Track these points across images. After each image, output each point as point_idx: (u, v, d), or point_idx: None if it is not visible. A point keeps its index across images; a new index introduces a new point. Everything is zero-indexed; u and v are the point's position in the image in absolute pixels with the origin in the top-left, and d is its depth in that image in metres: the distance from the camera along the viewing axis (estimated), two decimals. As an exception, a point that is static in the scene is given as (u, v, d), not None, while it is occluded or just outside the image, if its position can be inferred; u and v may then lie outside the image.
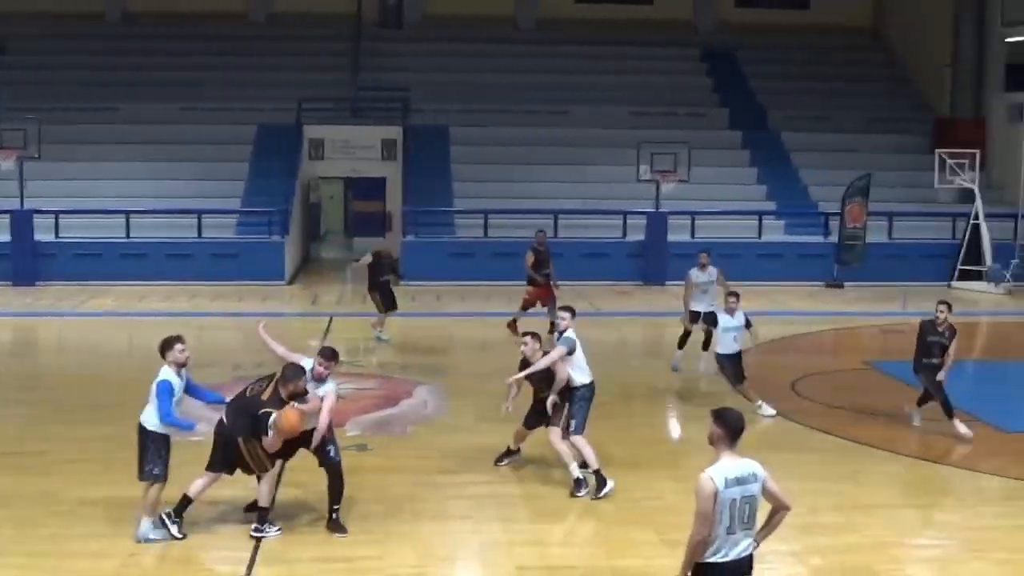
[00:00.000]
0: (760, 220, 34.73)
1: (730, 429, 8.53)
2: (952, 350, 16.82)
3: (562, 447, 13.94)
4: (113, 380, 20.33)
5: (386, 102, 38.67)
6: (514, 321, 24.57)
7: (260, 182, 35.16)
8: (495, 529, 12.67)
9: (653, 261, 33.14)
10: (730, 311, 17.94)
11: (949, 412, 16.65)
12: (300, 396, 12.22)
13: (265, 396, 12.22)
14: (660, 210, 33.82)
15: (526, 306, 24.83)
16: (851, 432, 16.80)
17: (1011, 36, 38.48)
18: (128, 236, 32.95)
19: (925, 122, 40.78)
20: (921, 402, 17.38)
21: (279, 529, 12.41)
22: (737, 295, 18.07)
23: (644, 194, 34.01)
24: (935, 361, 16.70)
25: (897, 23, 44.78)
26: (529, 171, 36.41)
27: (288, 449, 12.55)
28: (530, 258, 24.72)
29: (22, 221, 32.30)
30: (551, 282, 24.62)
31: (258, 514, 12.41)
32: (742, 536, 8.46)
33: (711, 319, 20.09)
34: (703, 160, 34.95)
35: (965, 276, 33.63)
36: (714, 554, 8.43)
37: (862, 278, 33.13)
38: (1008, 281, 32.82)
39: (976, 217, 33.75)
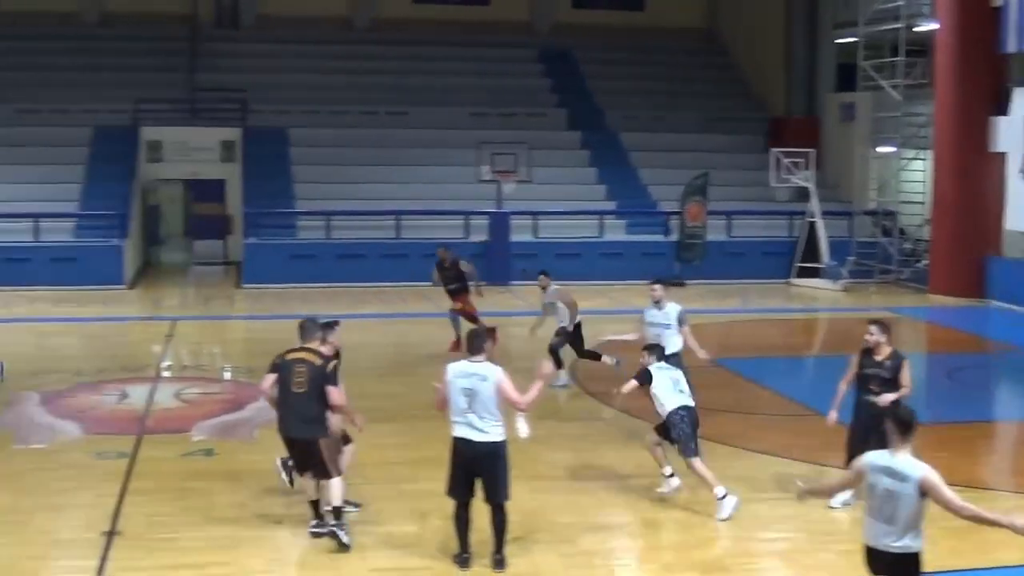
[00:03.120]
0: (601, 220, 35.07)
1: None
2: (906, 380, 13.33)
3: None
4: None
5: (224, 103, 38.24)
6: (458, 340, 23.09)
7: (98, 185, 34.49)
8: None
9: (496, 261, 33.23)
10: None
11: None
12: None
13: None
14: (502, 210, 33.96)
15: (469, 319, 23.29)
16: (696, 428, 17.01)
17: (841, 37, 39.44)
18: (-37, 240, 32.13)
19: (760, 121, 41.65)
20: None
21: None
22: None
23: (486, 195, 34.13)
24: (870, 398, 13.32)
25: (731, 24, 45.61)
26: (370, 172, 36.32)
27: None
28: (435, 276, 23.86)
29: None
30: (467, 294, 23.53)
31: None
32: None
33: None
34: (543, 160, 35.23)
35: (803, 273, 34.32)
36: None
37: (703, 276, 33.66)
38: (845, 278, 33.55)
39: (812, 215, 34.45)
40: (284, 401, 12.33)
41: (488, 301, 24.67)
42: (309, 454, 12.28)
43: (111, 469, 14.56)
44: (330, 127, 38.08)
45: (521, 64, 43.08)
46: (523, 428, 13.13)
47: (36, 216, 32.51)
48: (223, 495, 13.60)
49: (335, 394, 12.23)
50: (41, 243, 32.33)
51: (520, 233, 33.96)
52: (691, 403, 13.71)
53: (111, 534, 12.29)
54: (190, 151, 37.93)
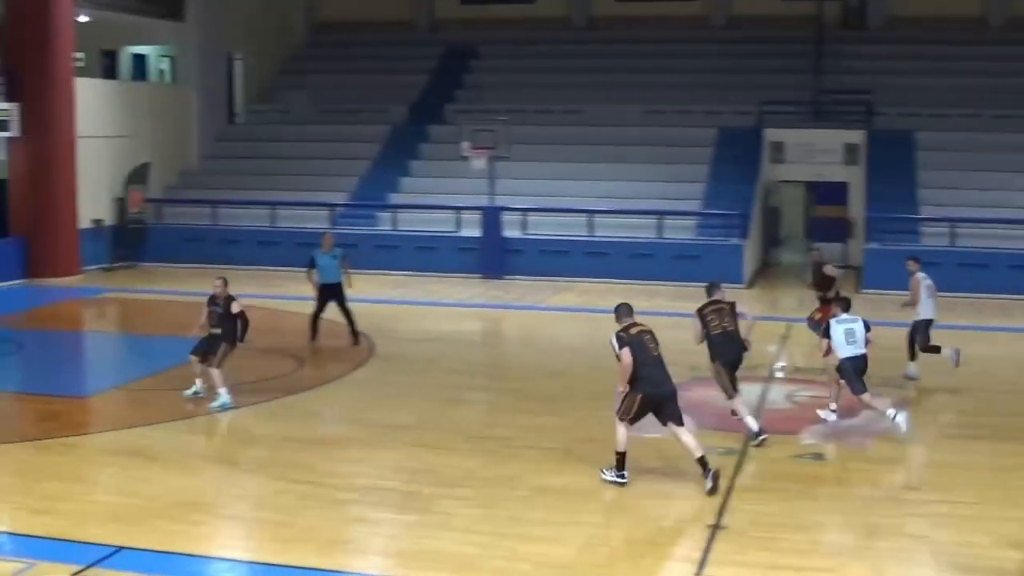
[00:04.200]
0: None
1: None
2: None
3: None
4: (571, 373, 20.87)
5: (848, 105, 37.94)
6: None
7: (720, 185, 35.22)
8: (951, 552, 12.12)
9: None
10: None
11: None
12: None
13: None
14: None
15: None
16: None
17: None
18: (591, 235, 33.80)
19: None
20: None
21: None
22: None
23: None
24: None
25: None
26: (1002, 179, 34.79)
27: None
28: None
29: (492, 218, 33.72)
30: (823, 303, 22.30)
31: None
32: None
33: None
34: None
35: None
36: None
37: None
38: None
39: None
40: (652, 365, 13.97)
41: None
42: (674, 406, 14.10)
43: (720, 464, 14.75)
44: (960, 131, 36.83)
45: None
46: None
47: (660, 214, 33.67)
48: (829, 501, 13.49)
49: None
50: (664, 240, 33.44)
51: None
52: (860, 352, 16.54)
53: (716, 528, 12.47)
54: (813, 153, 37.90)
